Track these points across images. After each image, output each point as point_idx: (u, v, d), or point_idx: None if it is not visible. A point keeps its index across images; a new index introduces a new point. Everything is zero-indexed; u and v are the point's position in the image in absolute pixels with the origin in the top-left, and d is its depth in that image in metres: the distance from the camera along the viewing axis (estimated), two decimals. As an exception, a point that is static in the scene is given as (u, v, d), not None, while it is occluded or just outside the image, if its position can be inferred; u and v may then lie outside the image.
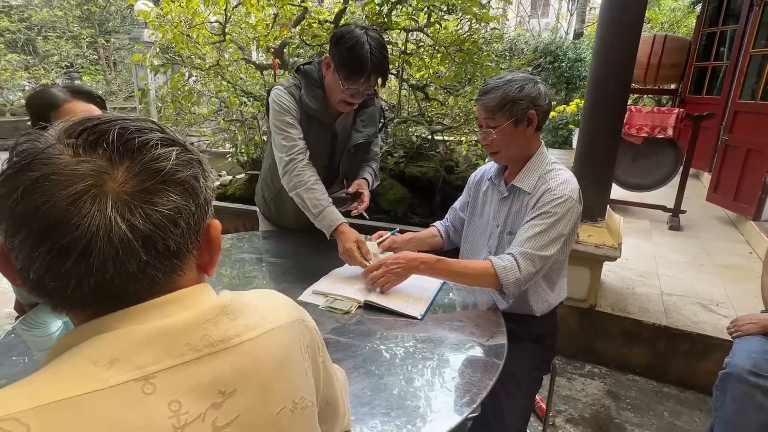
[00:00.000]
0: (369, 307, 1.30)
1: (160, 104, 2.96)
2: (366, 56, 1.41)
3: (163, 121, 3.03)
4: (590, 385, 2.30)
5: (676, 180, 3.81)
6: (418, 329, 1.21)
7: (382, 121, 1.83)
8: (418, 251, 1.57)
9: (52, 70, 8.82)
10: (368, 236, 1.76)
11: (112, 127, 0.43)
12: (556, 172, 1.41)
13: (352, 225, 1.55)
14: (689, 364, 2.28)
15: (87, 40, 9.39)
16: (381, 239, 1.57)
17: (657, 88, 6.39)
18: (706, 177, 4.80)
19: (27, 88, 8.57)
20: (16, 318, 1.49)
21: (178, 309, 0.46)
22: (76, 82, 10.05)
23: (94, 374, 0.40)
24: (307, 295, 1.36)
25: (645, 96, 8.23)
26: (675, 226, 3.81)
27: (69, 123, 0.44)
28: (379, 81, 1.55)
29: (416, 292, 1.38)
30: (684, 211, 3.85)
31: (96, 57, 9.86)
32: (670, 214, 3.88)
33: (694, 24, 5.91)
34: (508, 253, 1.33)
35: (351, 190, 1.65)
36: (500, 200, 1.52)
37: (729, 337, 1.67)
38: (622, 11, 2.11)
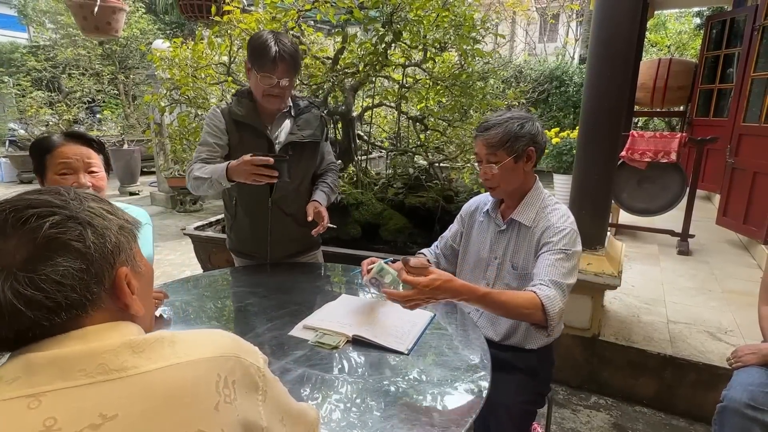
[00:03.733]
0: (357, 341, 1.32)
1: (169, 141, 3.09)
2: (270, 45, 1.59)
3: (172, 155, 3.15)
4: (596, 417, 2.25)
5: (685, 203, 3.78)
6: (404, 364, 1.22)
7: (324, 129, 1.91)
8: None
9: (75, 105, 9.18)
10: (357, 269, 1.78)
11: (2, 210, 0.53)
12: (553, 206, 1.46)
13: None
14: (697, 395, 2.22)
15: (108, 76, 9.79)
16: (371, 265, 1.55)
17: (665, 110, 6.40)
18: (718, 199, 4.74)
19: (51, 123, 8.93)
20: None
21: (78, 343, 0.53)
22: (97, 116, 10.45)
23: None
24: (297, 330, 1.39)
25: (655, 118, 8.25)
26: (684, 251, 3.76)
27: None
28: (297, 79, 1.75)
29: (405, 326, 1.40)
30: (692, 236, 3.80)
31: (116, 92, 10.26)
32: (679, 238, 3.83)
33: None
34: (541, 282, 1.29)
35: (309, 218, 1.74)
36: (498, 233, 1.54)
37: (736, 368, 1.64)
38: (610, 45, 2.16)
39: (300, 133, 1.78)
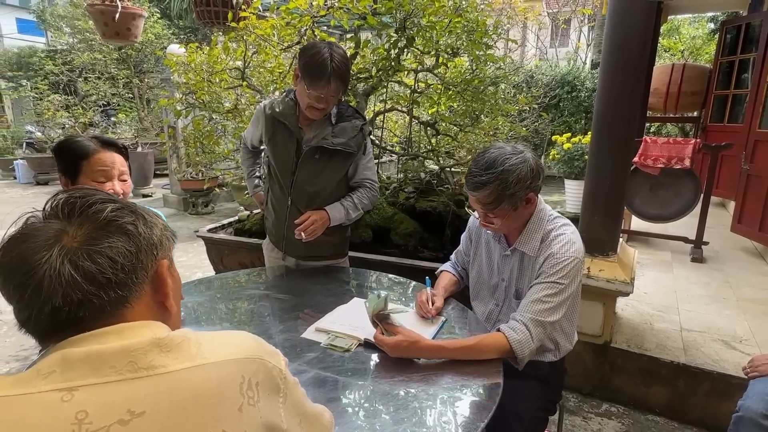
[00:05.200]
0: (369, 345, 1.32)
1: (183, 144, 3.14)
2: (326, 63, 1.57)
3: (186, 158, 3.20)
4: (607, 425, 2.23)
5: (699, 210, 3.73)
6: (416, 368, 1.23)
7: (362, 142, 1.84)
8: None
9: (90, 108, 9.33)
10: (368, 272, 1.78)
11: (71, 198, 0.60)
12: (558, 231, 1.41)
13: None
14: (711, 404, 2.19)
15: (123, 80, 9.95)
16: (429, 298, 1.54)
17: (678, 116, 6.34)
18: (733, 206, 4.68)
19: (67, 126, 9.09)
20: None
21: (115, 339, 0.55)
22: (112, 119, 10.62)
23: (33, 381, 0.52)
24: (310, 333, 1.40)
25: (668, 124, 8.16)
26: (697, 258, 3.71)
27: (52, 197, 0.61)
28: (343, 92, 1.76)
29: (417, 331, 1.40)
30: (706, 243, 3.75)
31: (131, 96, 10.42)
32: (692, 245, 3.79)
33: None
34: (518, 320, 1.33)
35: (297, 220, 1.77)
36: (503, 256, 1.52)
37: (752, 378, 1.62)
38: (623, 50, 2.15)
39: (330, 140, 1.75)
